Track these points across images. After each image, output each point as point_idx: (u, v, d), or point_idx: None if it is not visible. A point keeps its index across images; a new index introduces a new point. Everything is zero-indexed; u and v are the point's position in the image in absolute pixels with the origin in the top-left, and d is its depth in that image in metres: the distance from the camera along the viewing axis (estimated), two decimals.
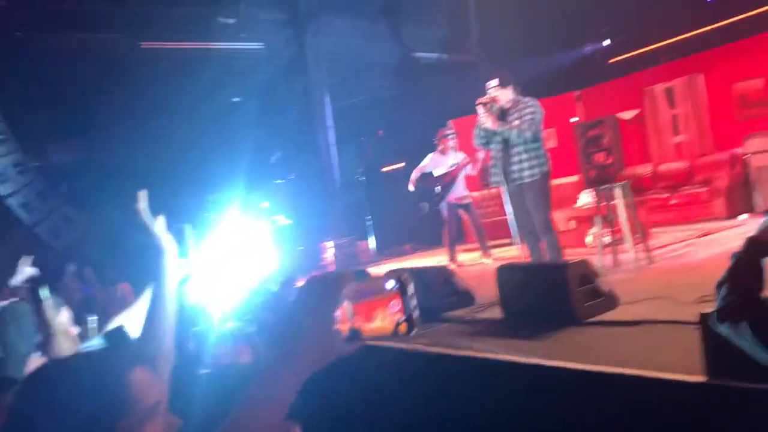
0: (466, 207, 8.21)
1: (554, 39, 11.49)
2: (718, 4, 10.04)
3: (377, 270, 6.79)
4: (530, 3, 10.69)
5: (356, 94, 13.36)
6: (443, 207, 8.18)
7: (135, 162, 8.99)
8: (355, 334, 0.80)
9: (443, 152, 8.25)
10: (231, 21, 10.51)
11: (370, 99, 13.78)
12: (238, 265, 4.81)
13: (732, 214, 8.69)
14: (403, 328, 0.79)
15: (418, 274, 5.18)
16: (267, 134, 12.85)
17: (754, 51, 9.30)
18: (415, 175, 8.34)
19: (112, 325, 1.72)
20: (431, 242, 12.11)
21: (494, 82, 5.26)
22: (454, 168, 8.06)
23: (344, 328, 0.80)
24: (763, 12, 9.33)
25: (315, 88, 11.07)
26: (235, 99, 12.44)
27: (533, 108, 5.13)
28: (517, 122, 5.07)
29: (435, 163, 8.23)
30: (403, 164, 14.61)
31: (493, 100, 5.19)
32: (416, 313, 0.79)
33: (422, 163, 8.32)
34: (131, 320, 1.62)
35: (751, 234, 1.85)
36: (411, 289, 0.78)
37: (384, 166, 14.28)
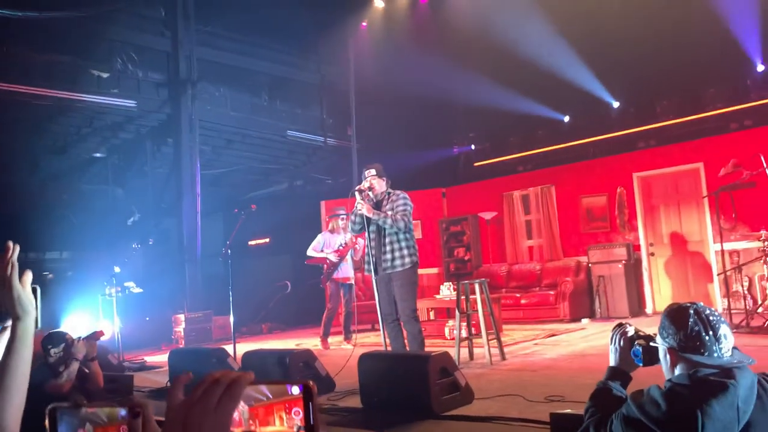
0: (347, 288, 8.24)
1: (426, 137, 12.13)
2: (571, 126, 11.16)
3: (230, 348, 6.48)
4: (406, 102, 11.29)
5: (228, 164, 13.18)
6: (329, 285, 8.16)
7: None
8: None
9: (333, 231, 8.32)
10: (104, 75, 10.09)
11: (242, 171, 13.64)
12: (79, 334, 4.40)
13: (575, 318, 9.36)
14: None
15: (279, 355, 5.02)
16: (127, 195, 12.24)
17: (600, 171, 10.37)
18: (314, 254, 8.26)
19: None
20: (289, 323, 11.89)
21: (372, 171, 5.40)
22: (342, 248, 8.11)
23: (238, 431, 0.73)
24: (609, 138, 10.47)
25: (186, 154, 10.75)
26: (97, 154, 11.79)
27: (404, 200, 5.31)
28: (390, 213, 5.20)
29: (326, 243, 8.26)
30: (268, 239, 14.44)
31: (371, 188, 5.31)
32: (319, 423, 0.73)
33: (314, 243, 8.32)
34: None
35: (611, 363, 2.03)
36: (316, 397, 0.73)
37: (251, 240, 14.02)
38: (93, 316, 8.10)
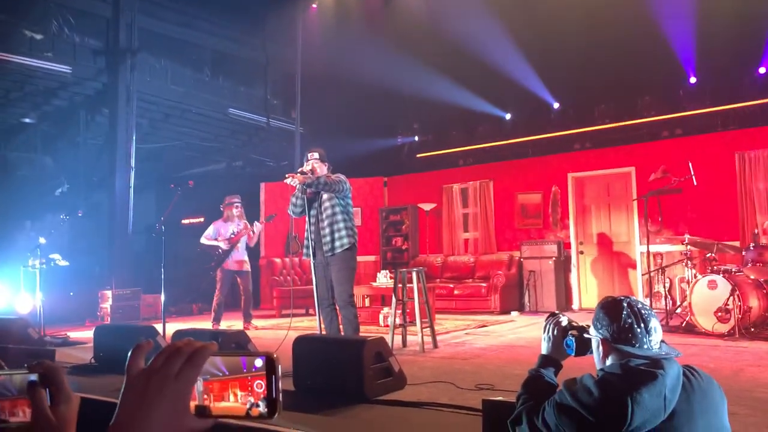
0: (242, 274, 8.29)
1: (371, 125, 12.13)
2: (512, 123, 11.39)
3: (160, 327, 6.33)
4: (353, 89, 11.24)
5: (165, 139, 12.79)
6: (220, 272, 8.19)
7: None
8: (202, 413, 0.72)
9: (226, 220, 8.38)
10: (38, 36, 9.59)
11: (179, 147, 13.27)
12: None
13: (505, 310, 9.60)
14: (255, 412, 0.71)
15: (211, 335, 4.94)
16: (57, 165, 11.72)
17: (536, 169, 10.63)
18: (205, 242, 8.31)
19: None
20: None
21: (315, 154, 5.38)
22: (234, 236, 8.12)
23: (192, 405, 0.72)
24: (547, 137, 10.74)
25: (121, 126, 10.36)
26: (26, 120, 11.22)
27: (341, 177, 5.33)
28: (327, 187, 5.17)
29: (217, 231, 8.33)
30: (202, 219, 14.12)
31: (313, 171, 5.28)
32: (280, 396, 0.72)
33: (207, 232, 8.39)
34: None
35: (543, 352, 2.09)
36: (279, 370, 0.72)
37: (184, 218, 13.68)
38: (14, 288, 7.76)
